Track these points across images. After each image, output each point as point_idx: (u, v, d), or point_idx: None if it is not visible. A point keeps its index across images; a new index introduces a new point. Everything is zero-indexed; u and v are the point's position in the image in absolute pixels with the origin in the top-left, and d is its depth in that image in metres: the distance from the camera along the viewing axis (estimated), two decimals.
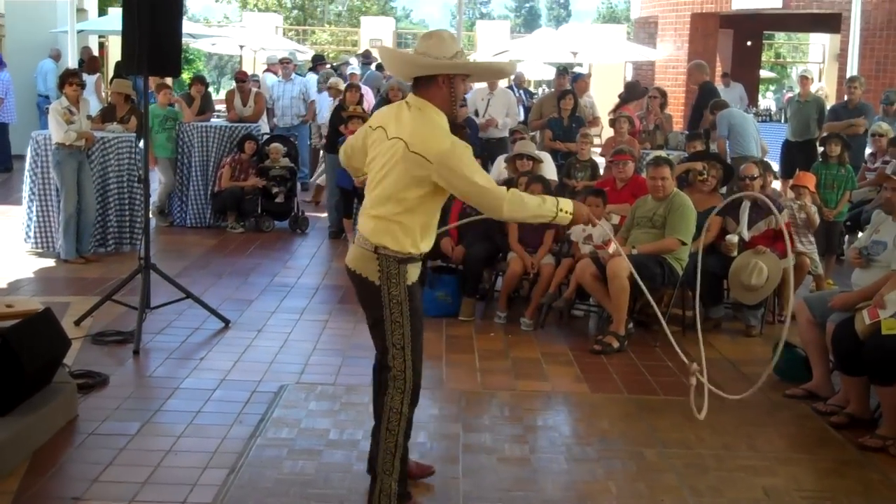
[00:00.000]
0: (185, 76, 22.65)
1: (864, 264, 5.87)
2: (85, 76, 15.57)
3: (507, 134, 11.51)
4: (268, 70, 17.12)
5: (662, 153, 9.88)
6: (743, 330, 7.61)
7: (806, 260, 8.02)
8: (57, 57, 17.12)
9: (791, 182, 8.61)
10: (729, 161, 10.17)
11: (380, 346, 4.12)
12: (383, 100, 12.02)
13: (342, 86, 13.19)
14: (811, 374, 6.10)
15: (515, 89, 16.21)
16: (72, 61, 12.93)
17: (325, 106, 13.29)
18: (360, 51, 21.43)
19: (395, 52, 4.44)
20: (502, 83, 13.59)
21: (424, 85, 4.04)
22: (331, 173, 10.98)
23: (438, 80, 4.02)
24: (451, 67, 4.02)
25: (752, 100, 22.18)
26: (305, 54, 22.53)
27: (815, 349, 6.03)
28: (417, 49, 4.08)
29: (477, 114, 11.94)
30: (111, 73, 17.45)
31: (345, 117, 10.47)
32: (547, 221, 4.06)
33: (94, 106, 12.35)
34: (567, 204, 4.04)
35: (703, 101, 11.80)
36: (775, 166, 11.80)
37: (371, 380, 4.48)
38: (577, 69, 17.13)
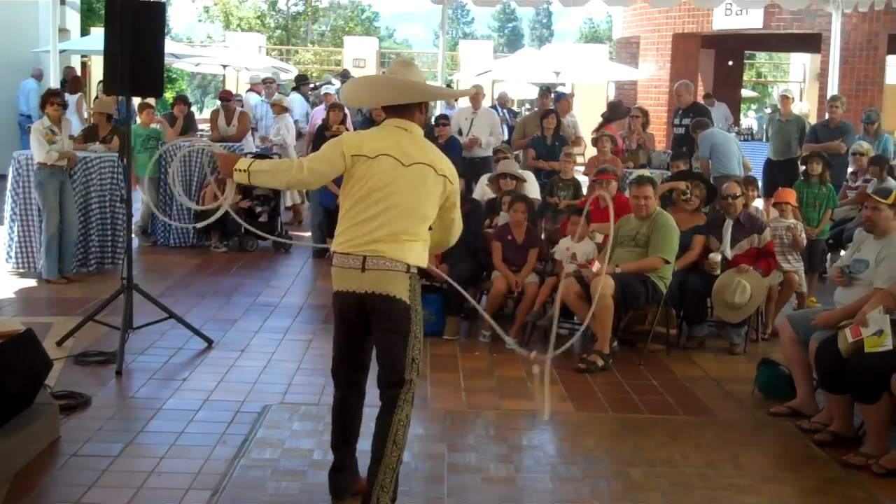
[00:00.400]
0: (168, 95, 22.62)
1: (846, 283, 5.90)
2: (67, 96, 15.56)
3: (490, 153, 11.54)
4: (251, 90, 17.12)
5: (646, 172, 9.92)
6: (727, 348, 7.63)
7: (794, 276, 8.07)
8: (39, 76, 17.07)
9: (773, 200, 8.66)
10: (712, 181, 10.23)
11: (398, 363, 4.19)
12: (367, 119, 12.02)
13: (286, 102, 13.25)
14: (795, 392, 6.12)
15: (499, 109, 16.28)
16: (54, 81, 12.85)
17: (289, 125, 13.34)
18: (341, 70, 21.46)
19: (394, 80, 4.39)
20: (485, 102, 13.63)
21: (408, 111, 4.29)
22: (314, 193, 10.94)
23: (422, 106, 4.34)
24: (435, 95, 4.26)
25: (735, 119, 22.33)
26: (289, 73, 22.54)
27: (799, 367, 6.05)
28: (396, 76, 4.33)
29: (461, 132, 11.96)
30: (94, 93, 17.41)
31: (328, 136, 10.45)
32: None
33: (75, 126, 12.30)
34: None
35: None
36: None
37: (339, 404, 4.47)
38: (559, 89, 17.22)
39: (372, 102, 4.67)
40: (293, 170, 4.30)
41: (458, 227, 4.47)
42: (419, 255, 4.22)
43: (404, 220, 4.16)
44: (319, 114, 13.38)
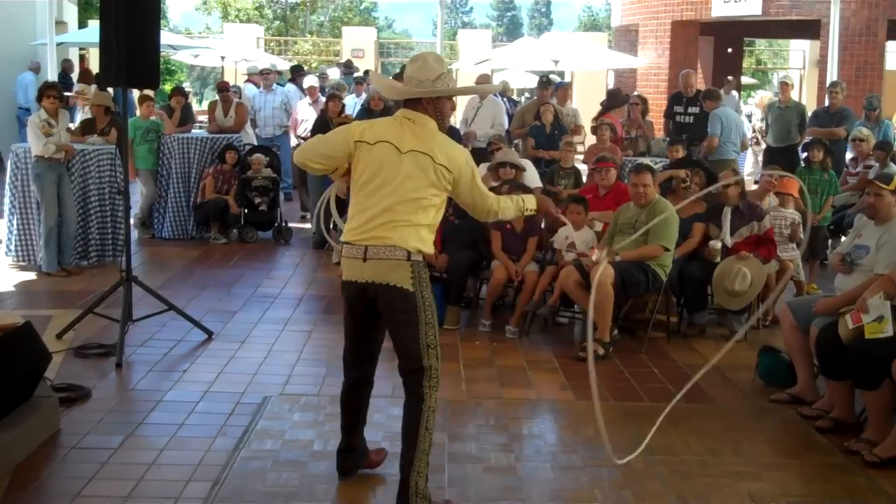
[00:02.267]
0: (167, 87, 22.59)
1: (847, 269, 5.89)
2: (83, 87, 15.64)
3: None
4: (249, 80, 17.05)
5: (646, 160, 9.90)
6: (727, 335, 7.60)
7: (789, 264, 8.05)
8: (37, 69, 17.04)
9: (776, 186, 8.62)
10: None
11: (413, 352, 4.26)
12: (365, 109, 12.01)
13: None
14: (796, 379, 6.11)
15: (500, 98, 16.22)
16: (51, 73, 12.86)
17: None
18: (343, 60, 21.39)
19: (385, 81, 4.80)
20: None
21: (416, 103, 4.36)
22: (316, 183, 10.88)
23: (423, 102, 4.35)
24: (431, 92, 4.32)
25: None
26: (287, 66, 22.47)
27: (800, 354, 6.04)
28: (405, 72, 4.40)
29: (467, 122, 12.00)
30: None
31: (332, 126, 10.40)
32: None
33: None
34: (530, 202, 4.63)
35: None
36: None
37: (346, 392, 4.60)
38: (553, 76, 17.14)
39: (389, 97, 4.86)
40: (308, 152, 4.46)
41: (484, 204, 4.46)
42: (422, 239, 4.26)
43: (402, 207, 4.21)
44: (302, 108, 13.28)
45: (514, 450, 5.20)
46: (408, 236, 4.21)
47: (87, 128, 10.46)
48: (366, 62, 25.77)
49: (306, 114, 12.90)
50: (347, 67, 18.26)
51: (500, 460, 5.04)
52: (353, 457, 4.68)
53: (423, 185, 4.24)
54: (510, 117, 14.05)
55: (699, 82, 18.89)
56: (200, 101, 40.64)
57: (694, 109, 11.87)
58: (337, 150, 4.38)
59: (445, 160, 4.27)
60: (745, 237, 7.65)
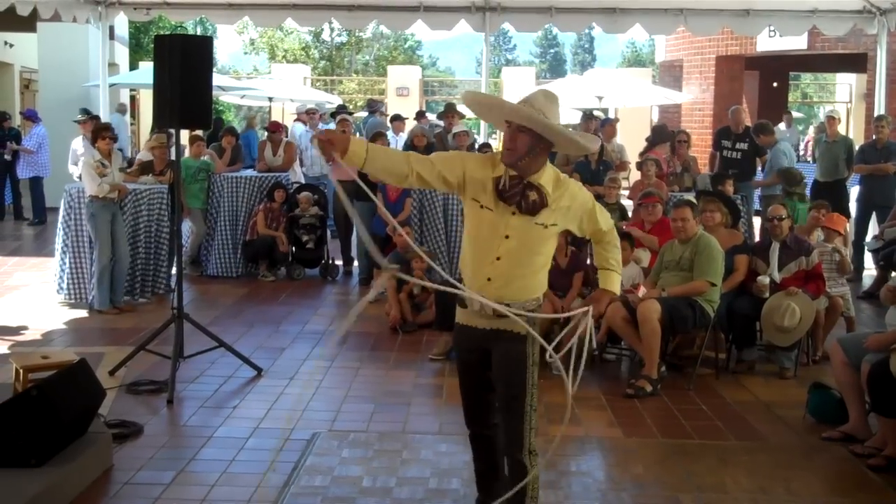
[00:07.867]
0: None
1: None
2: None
3: None
4: (297, 119, 17.26)
5: (692, 196, 9.87)
6: (777, 372, 7.54)
7: (839, 300, 7.97)
8: (123, 111, 17.21)
9: (823, 221, 8.56)
10: (757, 198, 10.21)
11: None
12: (409, 146, 12.15)
13: None
14: (847, 416, 6.03)
15: None
16: (104, 114, 13.12)
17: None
18: (387, 98, 21.64)
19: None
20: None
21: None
22: (363, 220, 10.94)
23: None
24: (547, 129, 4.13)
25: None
26: (334, 103, 22.75)
27: (851, 391, 5.97)
28: (539, 101, 4.19)
29: None
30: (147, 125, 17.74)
31: None
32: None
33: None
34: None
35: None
36: None
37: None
38: (596, 112, 17.20)
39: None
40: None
41: None
42: None
43: None
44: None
45: (562, 487, 5.19)
46: None
47: (145, 169, 10.67)
48: (411, 100, 26.02)
49: None
50: (370, 107, 18.33)
51: (549, 497, 5.02)
52: None
53: None
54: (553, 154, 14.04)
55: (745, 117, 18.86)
56: None
57: (742, 146, 11.86)
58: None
59: None
60: (794, 272, 7.59)
